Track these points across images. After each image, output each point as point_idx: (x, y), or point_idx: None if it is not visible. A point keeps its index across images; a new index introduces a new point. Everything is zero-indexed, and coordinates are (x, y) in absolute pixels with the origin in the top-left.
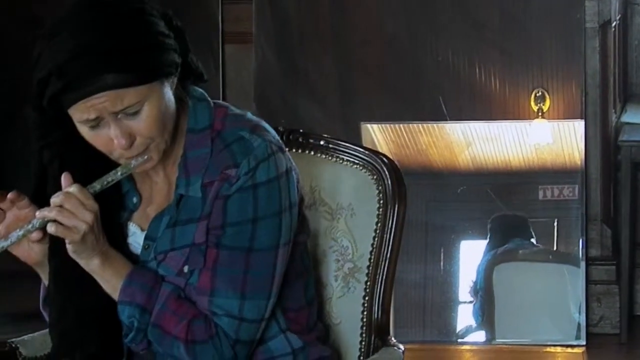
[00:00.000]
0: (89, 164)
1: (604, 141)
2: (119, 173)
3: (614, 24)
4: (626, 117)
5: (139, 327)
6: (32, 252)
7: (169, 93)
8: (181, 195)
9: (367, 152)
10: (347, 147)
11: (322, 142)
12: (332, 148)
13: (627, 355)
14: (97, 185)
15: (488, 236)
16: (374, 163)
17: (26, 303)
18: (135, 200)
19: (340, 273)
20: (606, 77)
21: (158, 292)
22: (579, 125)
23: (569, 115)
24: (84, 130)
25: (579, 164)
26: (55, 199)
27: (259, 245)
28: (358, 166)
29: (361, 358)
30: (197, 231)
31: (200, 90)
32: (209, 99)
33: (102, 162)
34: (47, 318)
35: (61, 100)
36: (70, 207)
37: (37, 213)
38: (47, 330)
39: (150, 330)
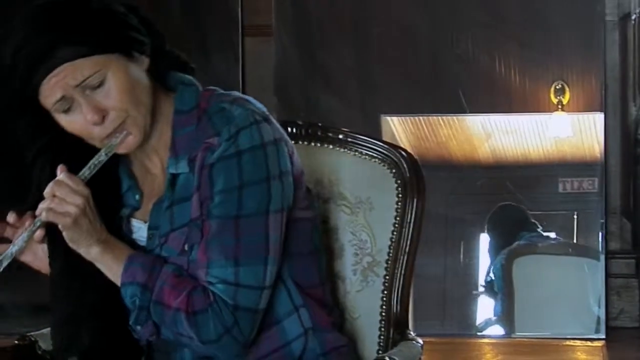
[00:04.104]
0: (80, 166)
1: (624, 134)
2: (103, 154)
3: (633, 17)
4: None
5: (141, 305)
6: (45, 259)
7: (135, 70)
8: (172, 174)
9: (385, 145)
10: (365, 141)
11: (340, 136)
12: (350, 142)
13: None
14: (86, 171)
15: (488, 230)
16: (392, 157)
17: (45, 296)
18: (137, 197)
19: (359, 267)
20: (626, 70)
21: (159, 271)
22: (599, 118)
23: (588, 108)
24: (62, 120)
25: (599, 157)
26: (47, 190)
27: (247, 211)
28: (377, 160)
29: (380, 352)
30: (191, 207)
31: (190, 77)
32: (198, 84)
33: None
34: None
35: (30, 92)
36: (60, 194)
37: (37, 211)
38: None
39: (153, 308)
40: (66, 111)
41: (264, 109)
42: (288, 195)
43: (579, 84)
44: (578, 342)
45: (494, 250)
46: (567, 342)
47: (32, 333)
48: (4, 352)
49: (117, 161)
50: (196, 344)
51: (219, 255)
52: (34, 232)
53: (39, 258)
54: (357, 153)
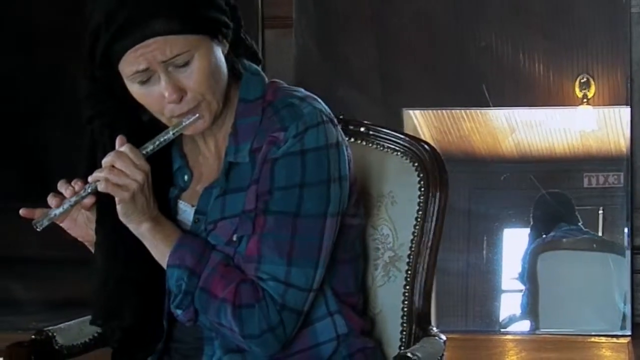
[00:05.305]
0: (139, 135)
1: None
2: (170, 132)
3: None
4: None
5: (187, 290)
6: (89, 230)
7: (219, 53)
8: (230, 163)
9: (408, 139)
10: (388, 134)
11: (362, 129)
12: (372, 135)
13: None
14: (149, 146)
15: (531, 222)
16: (415, 150)
17: (62, 291)
18: (186, 178)
19: (381, 262)
20: None
21: (208, 258)
22: (625, 111)
23: (614, 102)
24: (135, 89)
25: (625, 151)
26: (106, 159)
27: (306, 211)
28: (399, 153)
29: (402, 348)
30: (246, 198)
31: (256, 66)
32: (264, 75)
33: (152, 133)
34: None
35: (111, 54)
36: (121, 166)
37: (90, 178)
38: (83, 318)
39: (198, 295)
40: (143, 82)
41: (329, 111)
42: (344, 200)
43: (604, 77)
44: (603, 339)
45: (533, 235)
46: (592, 339)
47: (49, 328)
48: (22, 347)
49: (172, 140)
50: (236, 337)
51: (272, 252)
52: (83, 197)
53: (78, 225)
54: (379, 146)
